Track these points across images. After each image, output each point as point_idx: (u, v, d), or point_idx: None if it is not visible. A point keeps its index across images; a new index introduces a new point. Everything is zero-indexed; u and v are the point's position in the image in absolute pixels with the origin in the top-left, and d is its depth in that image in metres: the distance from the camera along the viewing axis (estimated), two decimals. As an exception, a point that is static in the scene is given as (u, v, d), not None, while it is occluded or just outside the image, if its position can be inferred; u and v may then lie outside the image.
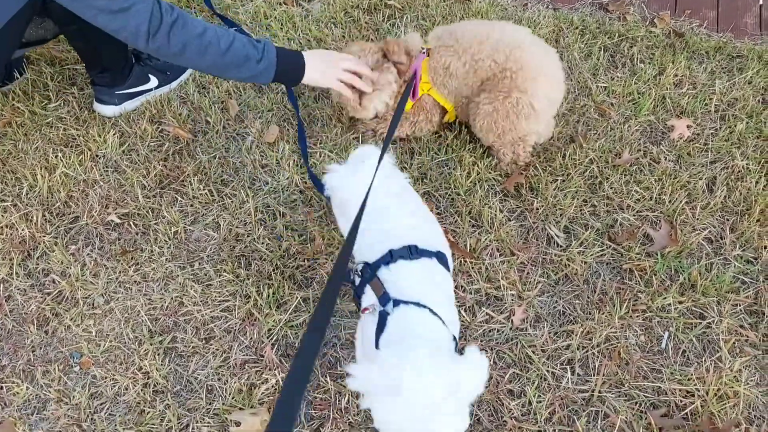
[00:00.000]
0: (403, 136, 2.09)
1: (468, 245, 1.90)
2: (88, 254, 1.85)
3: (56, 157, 2.03)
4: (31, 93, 2.18)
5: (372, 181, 1.45)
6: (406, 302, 1.30)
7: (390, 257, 1.38)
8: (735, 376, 1.67)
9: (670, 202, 2.02)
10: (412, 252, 1.39)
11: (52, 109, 2.16)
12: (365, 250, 1.44)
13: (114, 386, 1.63)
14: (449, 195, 2.01)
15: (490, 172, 2.06)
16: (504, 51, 1.87)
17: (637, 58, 2.37)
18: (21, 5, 1.67)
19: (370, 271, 1.39)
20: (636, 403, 1.64)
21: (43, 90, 2.21)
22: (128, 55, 2.12)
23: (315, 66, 1.85)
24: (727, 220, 2.00)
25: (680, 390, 1.65)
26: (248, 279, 1.80)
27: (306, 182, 2.01)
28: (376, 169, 1.49)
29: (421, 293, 1.32)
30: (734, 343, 1.74)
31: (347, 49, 2.02)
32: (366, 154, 1.65)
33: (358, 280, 1.44)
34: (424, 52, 1.96)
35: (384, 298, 1.32)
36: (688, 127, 2.18)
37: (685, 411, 1.62)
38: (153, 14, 1.57)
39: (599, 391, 1.64)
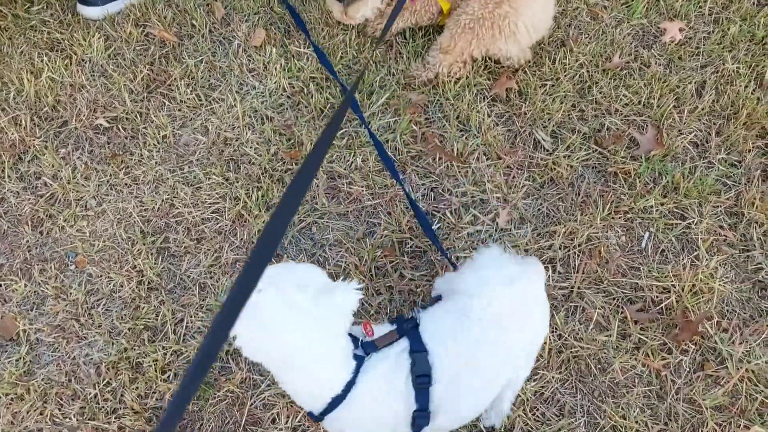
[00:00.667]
0: (405, 26, 2.06)
1: (455, 149, 1.92)
2: (78, 158, 1.87)
3: (42, 61, 2.01)
4: (12, -4, 2.14)
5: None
6: None
7: None
8: (711, 273, 1.73)
9: (658, 106, 2.02)
10: None
11: (35, 12, 2.12)
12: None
13: (109, 284, 1.68)
14: (437, 100, 2.01)
15: (478, 77, 2.05)
16: None
17: (633, -41, 2.30)
18: None
19: None
20: (614, 298, 1.70)
21: (24, -7, 2.16)
22: None
23: None
24: (714, 123, 2.00)
25: (657, 286, 1.71)
26: (237, 182, 1.83)
27: (293, 86, 2.00)
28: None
29: None
30: (712, 242, 1.79)
31: None
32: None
33: None
34: None
35: None
36: (680, 30, 2.15)
37: (661, 306, 1.69)
38: None
39: (578, 288, 1.71)
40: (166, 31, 2.08)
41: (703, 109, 2.02)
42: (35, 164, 1.86)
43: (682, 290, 1.70)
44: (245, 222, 1.77)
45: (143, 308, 1.65)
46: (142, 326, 1.63)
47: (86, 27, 2.09)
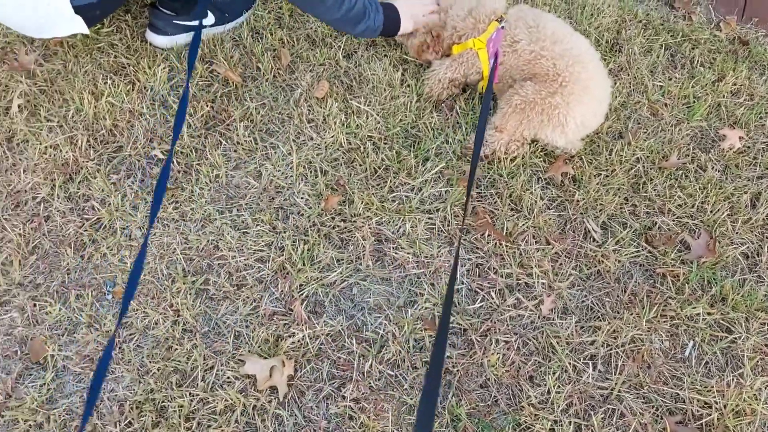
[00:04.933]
0: (454, 77, 2.09)
1: (505, 228, 1.90)
2: (129, 186, 1.86)
3: (104, 83, 2.02)
4: (85, 15, 2.16)
5: None
6: None
7: None
8: (755, 394, 1.68)
9: (711, 212, 2.00)
10: None
11: (105, 34, 2.14)
12: None
13: (144, 319, 1.65)
14: (491, 176, 2.00)
15: (535, 157, 2.04)
16: (567, 60, 1.89)
17: (698, 61, 2.32)
18: None
19: None
20: (653, 406, 1.65)
21: (97, 13, 2.18)
22: None
23: (405, 14, 2.08)
24: (767, 238, 1.98)
25: (698, 400, 1.66)
26: (285, 232, 1.81)
27: (350, 143, 2.00)
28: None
29: None
30: (758, 361, 1.74)
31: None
32: None
33: None
34: (501, 27, 1.96)
35: None
36: (740, 138, 2.15)
37: (701, 421, 1.63)
38: None
39: (618, 390, 1.66)
40: (232, 70, 2.09)
41: (756, 221, 2.00)
42: (85, 186, 1.85)
43: (725, 408, 1.65)
44: (288, 274, 1.74)
45: (175, 349, 1.61)
46: (172, 368, 1.59)
47: (153, 55, 2.11)
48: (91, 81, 2.03)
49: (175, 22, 2.10)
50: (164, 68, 2.08)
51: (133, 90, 2.03)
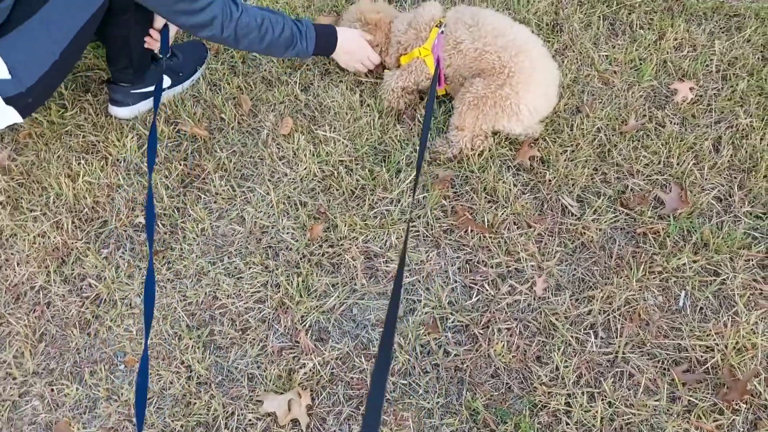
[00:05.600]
0: (405, 85, 2.17)
1: (486, 221, 1.96)
2: (121, 256, 1.92)
3: (78, 164, 2.08)
4: (47, 103, 2.22)
5: None
6: None
7: None
8: (752, 329, 1.74)
9: (678, 164, 2.08)
10: None
11: (69, 117, 2.21)
12: None
13: (159, 381, 1.70)
14: (463, 174, 2.07)
15: (501, 148, 2.11)
16: (511, 51, 1.97)
17: (637, 25, 2.40)
18: (97, 5, 1.78)
19: None
20: (659, 361, 1.71)
21: (59, 99, 2.25)
22: (150, 54, 2.17)
23: (345, 48, 2.18)
24: (735, 178, 2.05)
25: (700, 346, 1.72)
26: (277, 269, 1.87)
27: (324, 171, 2.06)
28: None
29: None
30: (749, 297, 1.81)
31: (345, 16, 2.28)
32: None
33: None
34: (441, 32, 2.05)
35: None
36: (690, 89, 2.23)
37: (706, 365, 1.69)
38: (224, 9, 1.84)
39: (623, 353, 1.72)
40: (197, 126, 2.16)
41: (722, 165, 2.07)
42: (79, 266, 1.91)
43: (726, 348, 1.71)
44: (288, 309, 1.80)
45: (194, 404, 1.66)
46: (195, 423, 1.64)
47: (119, 128, 2.18)
48: (66, 165, 2.10)
49: (132, 92, 2.17)
50: (132, 138, 2.14)
51: (107, 165, 2.09)
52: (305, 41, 2.06)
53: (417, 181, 1.74)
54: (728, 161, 2.08)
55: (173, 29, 2.11)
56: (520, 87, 1.97)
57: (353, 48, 2.20)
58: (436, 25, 2.11)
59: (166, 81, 2.21)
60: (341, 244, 1.92)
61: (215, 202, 2.02)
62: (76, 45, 1.82)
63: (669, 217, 1.96)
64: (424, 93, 2.23)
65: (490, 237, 1.93)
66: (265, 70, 2.31)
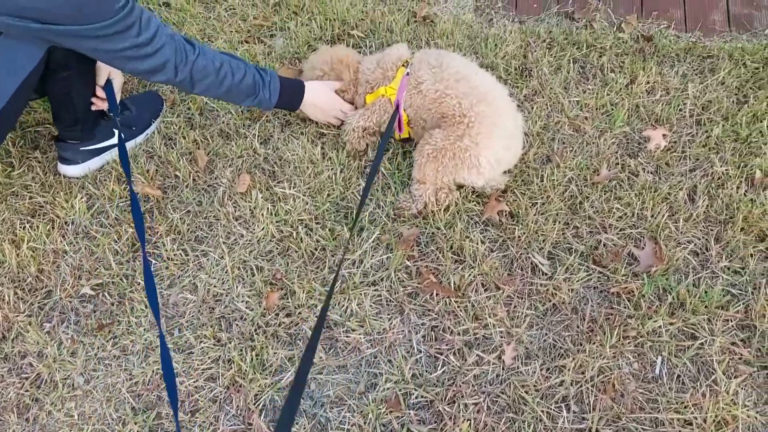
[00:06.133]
0: (367, 125, 2.09)
1: (452, 283, 1.86)
2: (64, 331, 1.80)
3: (23, 228, 1.97)
4: (-7, 161, 2.12)
5: None
6: None
7: None
8: (732, 399, 1.64)
9: (652, 216, 1.99)
10: None
11: (16, 176, 2.10)
12: None
13: (101, 471, 1.59)
14: (429, 231, 1.97)
15: (468, 202, 2.02)
16: (472, 99, 1.89)
17: (608, 68, 2.33)
18: (34, 63, 1.69)
19: None
20: (634, 436, 1.61)
21: (6, 157, 2.14)
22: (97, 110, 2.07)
23: (315, 102, 2.10)
24: (712, 230, 1.97)
25: (678, 419, 1.62)
26: (230, 342, 1.76)
27: (282, 231, 1.96)
28: None
29: None
30: (728, 362, 1.72)
31: (308, 62, 2.20)
32: None
33: None
34: (407, 73, 1.98)
35: None
36: (663, 136, 2.15)
37: (685, 441, 1.60)
38: (178, 51, 1.73)
39: (596, 429, 1.62)
40: (150, 185, 2.06)
41: (698, 216, 1.99)
42: (20, 342, 1.79)
43: (705, 422, 1.61)
44: (240, 387, 1.69)
45: (138, 497, 1.55)
46: None
47: (68, 188, 2.07)
48: (10, 229, 1.98)
49: (82, 149, 2.07)
50: (81, 198, 2.04)
51: (53, 229, 1.98)
52: (268, 92, 1.96)
53: (356, 221, 1.65)
54: (704, 212, 2.00)
55: (117, 83, 2.01)
56: (480, 138, 1.88)
57: (323, 102, 2.12)
58: (403, 65, 2.03)
59: (119, 136, 2.10)
60: (299, 313, 1.81)
61: (167, 268, 1.91)
62: (12, 106, 1.72)
63: (644, 275, 1.87)
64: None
65: (457, 301, 1.84)
66: (223, 122, 2.22)
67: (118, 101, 2.02)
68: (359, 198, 2.03)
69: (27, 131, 2.22)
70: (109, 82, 1.97)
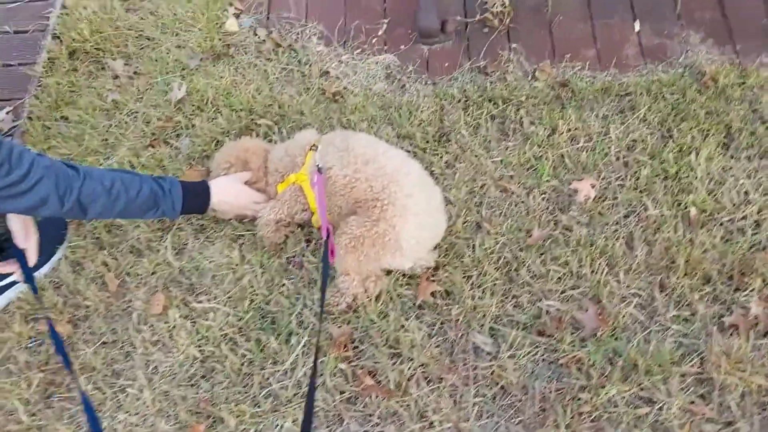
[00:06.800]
0: (278, 217, 1.98)
1: (391, 381, 1.74)
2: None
3: (-77, 391, 1.81)
4: None
5: None
6: None
7: None
8: (700, 470, 1.53)
9: (592, 272, 1.90)
10: None
11: None
12: None
13: None
14: (362, 325, 1.85)
15: (399, 287, 1.91)
16: (382, 180, 1.80)
17: (527, 121, 2.26)
18: None
19: None
20: None
21: None
22: None
23: (224, 199, 1.97)
24: (654, 279, 1.88)
25: (646, 503, 1.50)
26: (156, 490, 1.61)
27: (203, 351, 1.83)
28: None
29: None
30: (690, 425, 1.61)
31: (214, 159, 2.10)
32: None
33: None
34: (321, 173, 1.87)
35: None
36: (592, 186, 2.07)
37: None
38: (58, 182, 1.60)
39: None
40: (58, 320, 1.91)
41: (638, 266, 1.90)
42: None
43: (675, 500, 1.49)
44: None
45: None
46: None
47: (-29, 335, 1.91)
48: None
49: (-19, 288, 1.92)
50: (-14, 345, 1.88)
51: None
52: (170, 200, 1.84)
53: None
54: (644, 261, 1.91)
55: (34, 241, 1.87)
56: (396, 220, 1.78)
57: (231, 197, 2.00)
58: (311, 148, 1.94)
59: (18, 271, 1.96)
60: (230, 444, 1.67)
61: (83, 412, 1.75)
62: None
63: (590, 340, 1.77)
64: (303, 225, 2.04)
65: (399, 401, 1.71)
66: (133, 237, 2.09)
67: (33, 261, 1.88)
68: (284, 297, 1.91)
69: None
70: (21, 253, 1.83)
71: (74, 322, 1.93)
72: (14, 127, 2.38)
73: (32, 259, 1.84)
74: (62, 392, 1.80)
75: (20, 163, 1.54)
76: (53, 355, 1.86)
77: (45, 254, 2.04)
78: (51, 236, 2.06)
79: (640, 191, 2.06)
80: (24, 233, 1.83)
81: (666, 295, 1.85)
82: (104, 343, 1.88)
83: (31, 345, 1.90)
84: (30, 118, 2.39)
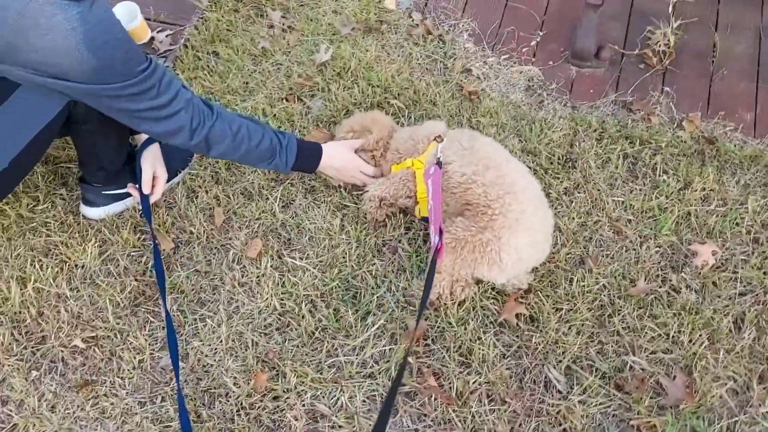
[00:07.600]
0: (383, 195, 1.99)
1: (455, 388, 1.72)
2: (49, 383, 1.75)
3: (33, 267, 1.96)
4: (20, 193, 2.13)
5: None
6: None
7: None
8: None
9: (690, 342, 1.79)
10: None
11: (40, 212, 2.10)
12: None
13: None
14: (438, 325, 1.84)
15: (485, 299, 1.88)
16: (499, 190, 1.77)
17: (661, 168, 2.15)
18: (50, 117, 1.69)
19: None
20: None
21: (33, 191, 2.15)
22: (125, 157, 2.06)
23: (332, 164, 2.04)
24: (756, 367, 1.75)
25: None
26: (209, 420, 1.67)
27: (284, 305, 1.87)
28: None
29: None
30: None
31: (341, 125, 2.15)
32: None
33: None
34: (440, 166, 1.87)
35: None
36: (713, 253, 1.94)
37: None
38: (194, 115, 1.71)
39: None
40: (164, 237, 2.02)
41: (742, 350, 1.78)
42: (6, 387, 1.76)
43: None
44: (211, 473, 1.59)
45: None
46: None
47: (85, 230, 2.05)
48: (21, 266, 1.98)
49: (104, 192, 2.05)
50: (95, 243, 2.01)
51: (62, 271, 1.96)
52: (285, 155, 1.91)
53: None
54: (750, 346, 1.79)
55: (162, 181, 2.01)
56: (504, 232, 1.75)
57: (340, 164, 2.06)
58: (435, 139, 1.94)
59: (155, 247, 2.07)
60: (286, 399, 1.71)
61: (163, 329, 1.85)
62: (28, 154, 1.73)
63: (670, 410, 1.67)
64: (407, 211, 2.04)
65: (456, 410, 1.69)
66: (247, 181, 2.16)
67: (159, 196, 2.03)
68: (371, 277, 1.93)
69: (59, 166, 2.22)
70: (146, 199, 1.99)
71: (176, 243, 2.03)
72: (170, 50, 2.51)
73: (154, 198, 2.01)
74: (149, 305, 1.90)
75: (168, 90, 1.64)
76: (150, 269, 1.97)
77: (168, 174, 2.15)
78: (178, 159, 2.17)
79: (764, 272, 1.92)
80: (149, 183, 1.98)
81: (765, 388, 1.72)
82: (197, 271, 1.97)
83: (133, 253, 2.01)
84: (185, 46, 2.52)
